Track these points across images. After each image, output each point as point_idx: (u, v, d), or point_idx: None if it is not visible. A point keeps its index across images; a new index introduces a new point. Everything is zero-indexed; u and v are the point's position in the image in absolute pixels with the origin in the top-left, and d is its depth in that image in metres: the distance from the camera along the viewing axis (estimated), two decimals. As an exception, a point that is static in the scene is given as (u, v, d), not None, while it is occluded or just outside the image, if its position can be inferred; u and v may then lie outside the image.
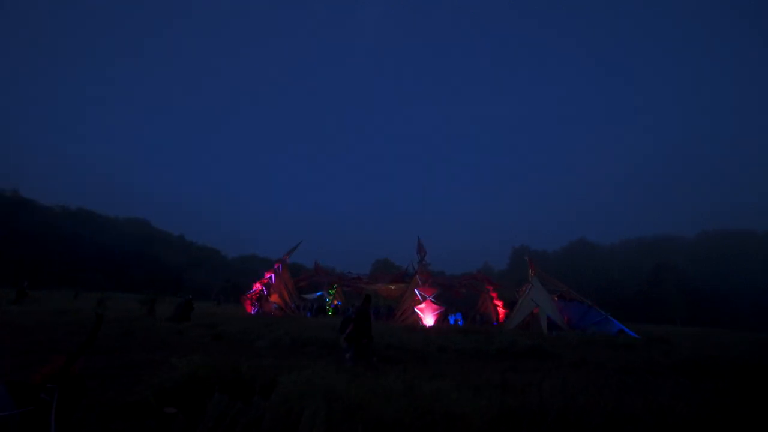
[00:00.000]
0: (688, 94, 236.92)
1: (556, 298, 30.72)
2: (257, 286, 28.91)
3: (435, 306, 24.92)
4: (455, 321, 31.43)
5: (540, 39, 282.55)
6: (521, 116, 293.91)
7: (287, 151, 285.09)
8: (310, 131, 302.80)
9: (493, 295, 42.60)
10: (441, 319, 26.27)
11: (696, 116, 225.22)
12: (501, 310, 40.84)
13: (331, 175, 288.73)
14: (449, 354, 11.70)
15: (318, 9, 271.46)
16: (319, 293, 40.03)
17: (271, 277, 29.51)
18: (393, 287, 38.62)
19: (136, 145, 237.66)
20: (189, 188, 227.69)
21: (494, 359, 11.39)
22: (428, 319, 24.24)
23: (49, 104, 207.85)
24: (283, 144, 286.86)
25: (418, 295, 25.28)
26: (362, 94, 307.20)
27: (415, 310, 24.70)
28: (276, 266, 30.31)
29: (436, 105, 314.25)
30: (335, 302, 38.99)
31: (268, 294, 28.50)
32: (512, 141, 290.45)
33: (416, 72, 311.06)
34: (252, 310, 28.07)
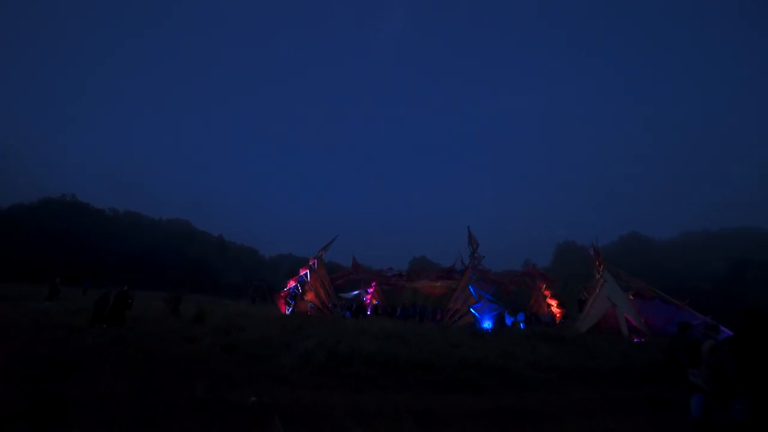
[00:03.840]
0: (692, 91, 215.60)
1: (631, 297, 26.14)
2: (291, 283, 26.62)
3: (493, 305, 21.36)
4: (513, 322, 27.57)
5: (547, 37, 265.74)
6: (530, 115, 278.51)
7: (300, 151, 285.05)
8: (321, 132, 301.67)
9: (547, 293, 38.33)
10: (499, 321, 22.72)
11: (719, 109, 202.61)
12: (555, 310, 36.52)
13: (351, 175, 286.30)
14: (545, 372, 8.37)
15: (340, 6, 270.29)
16: (356, 292, 37.47)
17: (305, 274, 27.12)
18: (437, 285, 35.24)
19: (156, 148, 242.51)
20: (219, 190, 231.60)
21: (615, 383, 7.96)
22: (486, 321, 20.75)
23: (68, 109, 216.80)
24: (299, 144, 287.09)
25: (473, 293, 21.81)
26: (381, 93, 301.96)
27: (471, 310, 21.26)
28: (311, 262, 27.88)
29: (444, 104, 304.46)
30: (374, 302, 36.21)
31: (303, 292, 26.09)
32: (526, 140, 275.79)
33: (437, 70, 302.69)
34: (286, 309, 25.82)
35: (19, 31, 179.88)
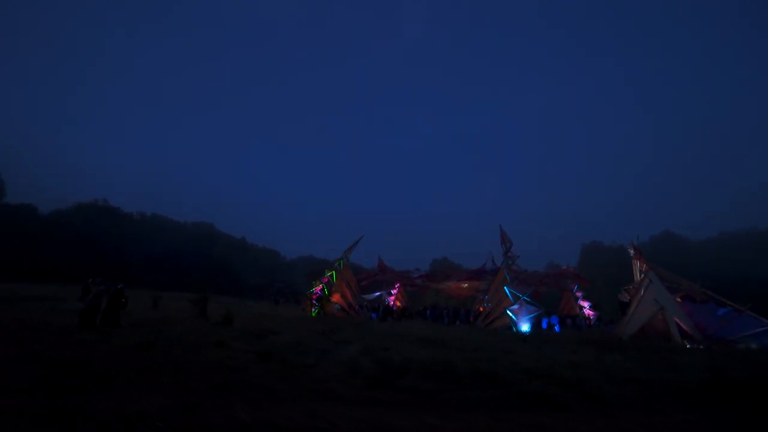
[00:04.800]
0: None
1: (679, 299, 24.23)
2: (320, 287, 25.98)
3: (531, 308, 20.05)
4: (548, 324, 26.04)
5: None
6: (532, 116, 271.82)
7: (311, 152, 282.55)
8: (326, 133, 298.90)
9: (578, 294, 36.58)
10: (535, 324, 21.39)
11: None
12: (588, 312, 34.75)
13: (363, 177, 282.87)
14: (623, 386, 7.22)
15: (340, 7, 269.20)
16: (378, 293, 36.58)
17: (331, 276, 26.43)
18: (465, 286, 33.98)
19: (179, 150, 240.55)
20: (236, 191, 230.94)
21: (713, 402, 6.73)
22: (524, 324, 19.48)
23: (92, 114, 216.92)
24: (312, 145, 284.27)
25: (508, 295, 20.55)
26: (384, 93, 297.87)
27: (507, 312, 20.03)
28: (337, 264, 27.20)
29: (446, 104, 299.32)
30: (397, 303, 35.21)
31: (330, 294, 25.39)
32: (539, 139, 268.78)
33: (440, 70, 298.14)
34: (312, 311, 25.21)
35: (18, 32, 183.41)
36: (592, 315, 34.80)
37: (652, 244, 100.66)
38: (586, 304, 36.43)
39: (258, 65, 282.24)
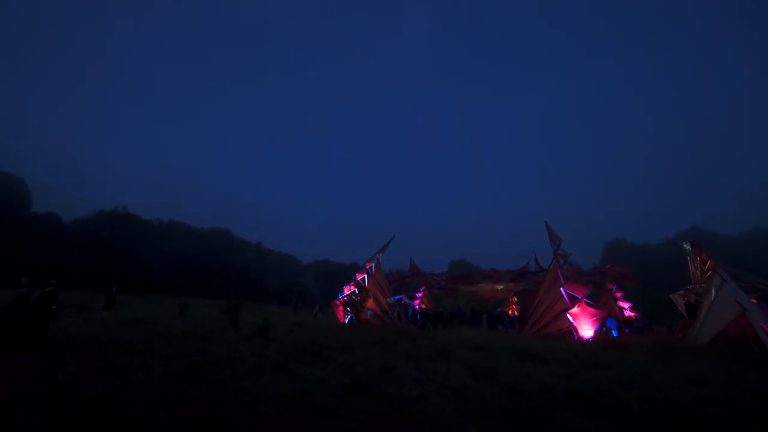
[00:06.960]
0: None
1: (755, 300, 21.68)
2: (349, 289, 24.32)
3: (592, 310, 17.96)
4: (601, 329, 23.77)
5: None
6: (534, 116, 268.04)
7: (321, 154, 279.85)
8: (334, 132, 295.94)
9: (618, 294, 34.14)
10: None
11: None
12: (629, 313, 32.36)
13: (365, 177, 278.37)
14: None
15: (364, 4, 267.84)
16: (398, 297, 34.78)
17: (363, 279, 24.74)
18: (500, 287, 31.88)
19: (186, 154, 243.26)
20: (242, 191, 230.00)
21: None
22: (586, 330, 17.41)
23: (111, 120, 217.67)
24: (321, 147, 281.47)
25: (565, 297, 18.49)
26: (386, 94, 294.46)
27: (567, 316, 17.98)
28: (368, 266, 25.49)
29: (445, 105, 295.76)
30: (423, 306, 33.35)
31: (362, 299, 23.68)
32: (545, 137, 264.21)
33: (453, 71, 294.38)
34: (345, 318, 23.58)
35: (17, 31, 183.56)
36: (634, 316, 32.54)
37: (680, 239, 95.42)
38: (626, 305, 34.08)
39: (258, 65, 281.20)
